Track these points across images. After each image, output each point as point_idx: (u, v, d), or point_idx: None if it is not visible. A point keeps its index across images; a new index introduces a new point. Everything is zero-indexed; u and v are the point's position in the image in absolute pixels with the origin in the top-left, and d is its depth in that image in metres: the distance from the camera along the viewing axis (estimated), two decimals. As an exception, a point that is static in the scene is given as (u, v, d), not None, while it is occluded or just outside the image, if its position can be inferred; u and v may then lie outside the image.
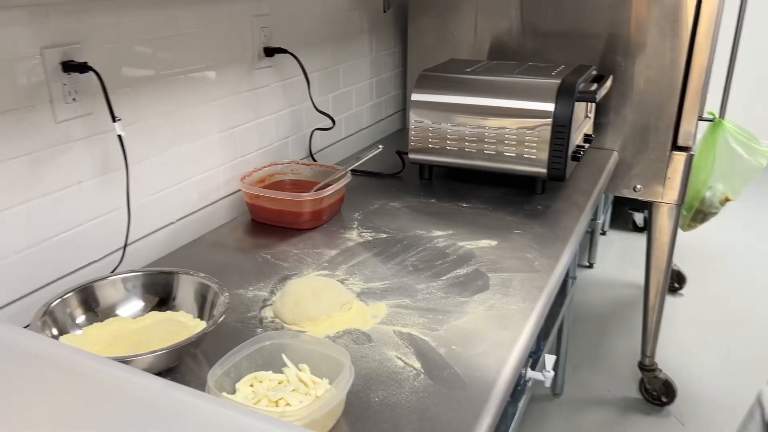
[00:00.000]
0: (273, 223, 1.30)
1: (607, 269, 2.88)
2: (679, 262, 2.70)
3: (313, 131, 1.61)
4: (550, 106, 1.37)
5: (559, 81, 1.40)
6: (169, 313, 0.93)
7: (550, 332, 1.62)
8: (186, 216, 1.26)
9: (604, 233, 3.22)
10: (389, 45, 2.01)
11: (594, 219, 2.76)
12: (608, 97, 1.74)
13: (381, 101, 2.03)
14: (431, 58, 1.92)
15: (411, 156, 1.55)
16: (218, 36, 1.27)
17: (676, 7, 1.61)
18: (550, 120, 1.37)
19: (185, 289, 0.91)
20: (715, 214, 2.18)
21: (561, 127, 1.37)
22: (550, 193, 1.48)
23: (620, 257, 2.99)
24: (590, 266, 2.89)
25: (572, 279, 1.90)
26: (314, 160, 1.63)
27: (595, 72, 1.61)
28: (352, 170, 1.38)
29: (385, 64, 2.02)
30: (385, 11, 1.93)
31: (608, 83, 1.54)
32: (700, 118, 1.74)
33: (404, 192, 1.52)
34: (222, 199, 1.35)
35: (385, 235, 1.26)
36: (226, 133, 1.34)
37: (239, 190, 1.37)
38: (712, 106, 1.92)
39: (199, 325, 0.88)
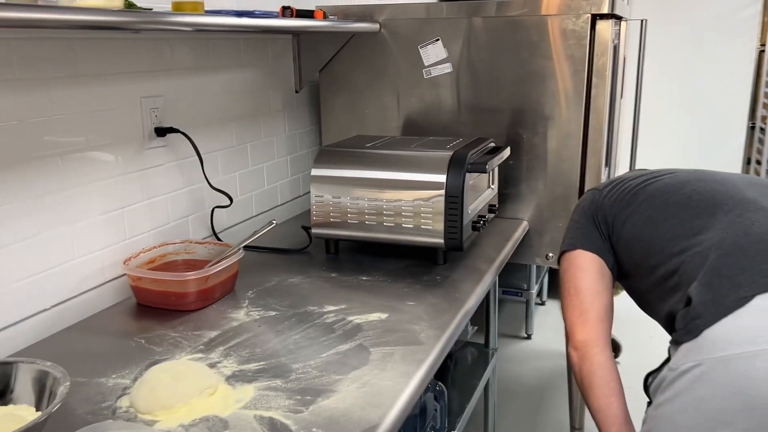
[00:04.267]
0: (158, 305, 1.24)
1: (545, 340, 2.85)
2: (614, 330, 2.69)
3: (213, 209, 1.58)
4: (442, 178, 1.39)
5: (450, 153, 1.42)
6: (11, 407, 0.86)
7: (465, 407, 1.57)
8: (63, 302, 1.20)
9: (542, 303, 3.22)
10: (305, 123, 2.04)
11: (527, 289, 2.76)
12: (517, 168, 1.78)
13: (298, 178, 2.03)
14: (345, 136, 1.94)
15: (314, 231, 1.53)
16: (102, 118, 1.26)
17: (575, 80, 1.67)
18: (442, 191, 1.38)
19: (24, 379, 0.85)
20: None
21: (453, 197, 1.37)
22: (453, 264, 1.47)
23: (558, 327, 2.97)
24: (528, 337, 2.86)
25: (493, 351, 1.87)
26: (218, 239, 1.60)
27: (492, 144, 1.65)
28: (256, 247, 1.35)
29: (302, 142, 2.04)
30: (297, 91, 1.96)
31: (503, 154, 1.57)
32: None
33: (309, 266, 1.49)
34: (108, 282, 1.30)
35: (274, 313, 1.22)
36: (112, 214, 1.30)
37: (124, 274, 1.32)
38: (621, 170, 1.97)
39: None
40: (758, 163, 4.08)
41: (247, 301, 1.28)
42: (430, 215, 1.40)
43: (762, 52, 4.20)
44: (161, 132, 1.40)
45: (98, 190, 1.26)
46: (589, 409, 1.19)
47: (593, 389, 1.17)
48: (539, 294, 3.12)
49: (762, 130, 4.00)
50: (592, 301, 1.24)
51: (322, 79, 1.97)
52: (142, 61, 1.34)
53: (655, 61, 4.40)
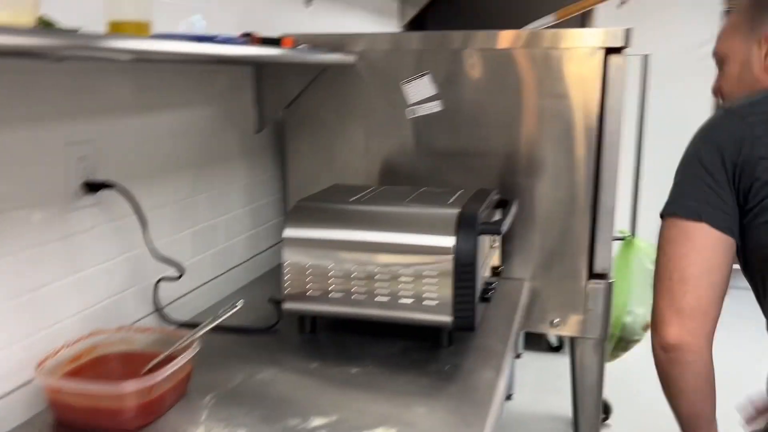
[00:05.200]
0: (84, 425, 0.92)
1: (526, 400, 2.61)
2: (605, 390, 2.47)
3: (158, 281, 1.27)
4: (450, 241, 1.13)
5: (458, 210, 1.16)
6: None
7: None
8: (-53, 427, 0.86)
9: (519, 356, 2.98)
10: (266, 169, 1.75)
11: (508, 345, 2.52)
12: (518, 222, 1.54)
13: (258, 231, 1.74)
14: (314, 183, 1.66)
15: (286, 306, 1.24)
16: (12, 172, 0.94)
17: (586, 121, 1.46)
18: (451, 257, 1.12)
19: None
20: (639, 341, 1.99)
21: (465, 266, 1.11)
22: (460, 345, 1.20)
23: (539, 383, 2.74)
24: (509, 398, 2.61)
25: None
26: (162, 317, 1.28)
27: (497, 196, 1.41)
28: (212, 328, 1.05)
29: (263, 190, 1.75)
30: (258, 132, 1.68)
31: (514, 210, 1.34)
32: (613, 238, 1.57)
33: (280, 352, 1.19)
34: (13, 391, 0.96)
35: (244, 430, 0.92)
36: (20, 299, 0.97)
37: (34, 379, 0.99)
38: (621, 223, 1.78)
39: None
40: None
41: (205, 413, 0.97)
42: (435, 287, 1.14)
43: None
44: (92, 187, 1.08)
45: (6, 266, 0.94)
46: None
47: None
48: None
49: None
50: (703, 295, 0.98)
51: (287, 118, 1.70)
52: (66, 98, 1.04)
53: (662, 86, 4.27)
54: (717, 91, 1.22)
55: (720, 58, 1.19)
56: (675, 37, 4.32)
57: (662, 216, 1.05)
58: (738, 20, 1.17)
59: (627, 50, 1.43)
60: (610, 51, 1.42)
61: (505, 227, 1.17)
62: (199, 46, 0.94)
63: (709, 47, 1.22)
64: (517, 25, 1.75)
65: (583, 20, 2.84)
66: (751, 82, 1.13)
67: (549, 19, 1.53)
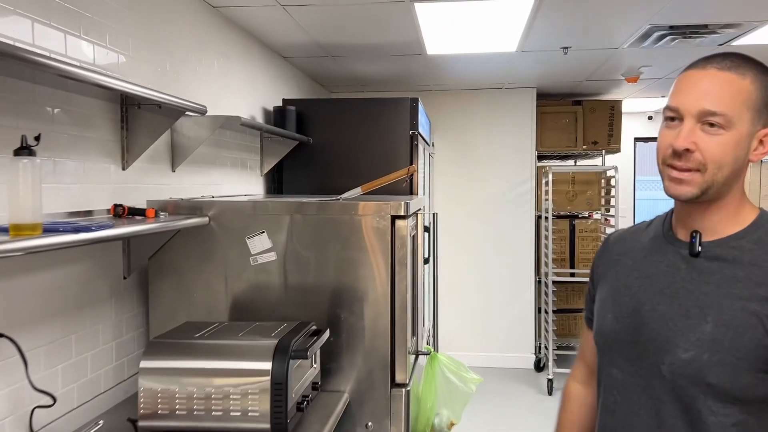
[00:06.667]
0: None
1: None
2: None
3: (33, 409, 1.56)
4: (267, 365, 1.54)
5: (275, 341, 1.58)
6: None
7: None
8: None
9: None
10: (132, 307, 2.09)
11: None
12: (337, 344, 1.98)
13: (123, 362, 2.04)
14: (174, 317, 2.03)
15: (141, 423, 1.57)
16: None
17: (383, 267, 1.96)
18: (268, 378, 1.53)
19: None
20: (446, 436, 2.44)
21: (278, 385, 1.52)
22: (279, 445, 1.58)
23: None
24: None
25: None
26: (36, 440, 1.56)
27: (314, 327, 1.85)
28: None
29: (128, 326, 2.07)
30: (125, 277, 2.04)
31: (323, 337, 1.78)
32: (418, 353, 2.04)
33: (135, 462, 1.50)
34: None
35: None
36: None
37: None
38: (425, 341, 2.27)
39: None
40: (546, 312, 4.73)
41: None
42: (257, 400, 1.53)
43: (539, 218, 5.05)
44: (-17, 337, 1.40)
45: None
46: None
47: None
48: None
49: (546, 284, 4.70)
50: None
51: (151, 266, 2.08)
52: (-32, 268, 1.38)
53: (455, 230, 5.08)
54: (693, 149, 1.04)
55: (720, 121, 1.03)
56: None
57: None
58: (752, 94, 1.04)
59: (420, 209, 1.97)
60: (396, 217, 1.96)
61: (310, 353, 1.60)
62: (81, 235, 1.33)
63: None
64: (349, 173, 2.27)
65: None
66: (741, 165, 1.07)
67: (357, 191, 2.07)
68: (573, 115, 5.06)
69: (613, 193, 4.66)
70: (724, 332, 1.04)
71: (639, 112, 7.12)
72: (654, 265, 1.15)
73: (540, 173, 5.03)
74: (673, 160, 1.06)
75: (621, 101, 5.18)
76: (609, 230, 4.94)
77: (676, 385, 1.08)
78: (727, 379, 1.03)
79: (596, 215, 5.14)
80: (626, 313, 1.16)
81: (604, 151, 5.11)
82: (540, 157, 5.38)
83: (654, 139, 7.41)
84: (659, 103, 6.17)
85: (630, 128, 7.04)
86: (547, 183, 4.64)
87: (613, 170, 4.60)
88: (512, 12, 2.80)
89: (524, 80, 4.66)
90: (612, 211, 4.66)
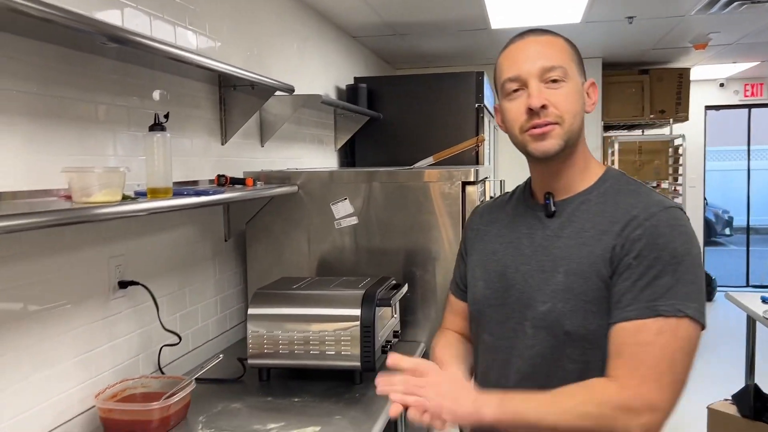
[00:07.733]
0: (124, 433, 1.47)
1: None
2: None
3: (161, 347, 1.84)
4: (357, 312, 1.75)
5: (363, 292, 1.80)
6: None
7: None
8: (41, 435, 1.40)
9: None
10: (231, 267, 2.36)
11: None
12: (413, 299, 2.18)
13: (226, 314, 2.32)
14: (268, 276, 2.28)
15: (250, 361, 1.82)
16: (77, 277, 1.53)
17: (454, 230, 2.15)
18: (358, 323, 1.75)
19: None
20: None
21: (367, 328, 1.74)
22: (368, 382, 1.80)
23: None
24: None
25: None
26: (162, 373, 1.84)
27: (394, 281, 2.05)
28: (197, 379, 1.61)
29: (228, 283, 2.34)
30: (226, 240, 2.30)
31: (403, 290, 1.98)
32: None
33: (246, 394, 1.76)
34: (78, 416, 1.51)
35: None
36: (81, 357, 1.54)
37: (93, 406, 1.54)
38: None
39: None
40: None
41: (200, 425, 1.53)
42: (349, 343, 1.75)
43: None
44: (123, 285, 1.68)
45: (73, 338, 1.51)
46: None
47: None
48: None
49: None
50: None
51: (248, 230, 2.33)
52: (110, 230, 1.65)
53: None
54: (547, 104, 1.10)
55: (560, 74, 1.12)
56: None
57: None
58: (571, 51, 1.18)
59: (488, 177, 2.13)
60: (466, 183, 2.13)
61: (393, 302, 1.81)
62: (201, 198, 1.57)
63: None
64: (417, 147, 2.44)
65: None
66: (583, 116, 1.16)
67: (429, 160, 2.25)
68: (639, 85, 5.04)
69: (681, 161, 4.64)
70: (574, 280, 1.10)
71: (710, 79, 6.93)
72: (517, 229, 1.22)
73: (606, 143, 5.05)
74: (532, 120, 1.12)
75: (689, 69, 5.11)
76: (677, 200, 4.92)
77: (537, 340, 1.13)
78: (579, 323, 1.09)
79: (664, 185, 5.12)
80: (494, 278, 1.22)
81: (671, 120, 5.07)
82: (606, 128, 5.38)
83: (727, 107, 7.20)
84: (730, 69, 6.01)
85: (700, 96, 6.86)
86: (613, 153, 4.66)
87: (680, 139, 4.58)
88: (576, -15, 2.88)
89: (589, 50, 4.68)
90: (680, 180, 4.65)
